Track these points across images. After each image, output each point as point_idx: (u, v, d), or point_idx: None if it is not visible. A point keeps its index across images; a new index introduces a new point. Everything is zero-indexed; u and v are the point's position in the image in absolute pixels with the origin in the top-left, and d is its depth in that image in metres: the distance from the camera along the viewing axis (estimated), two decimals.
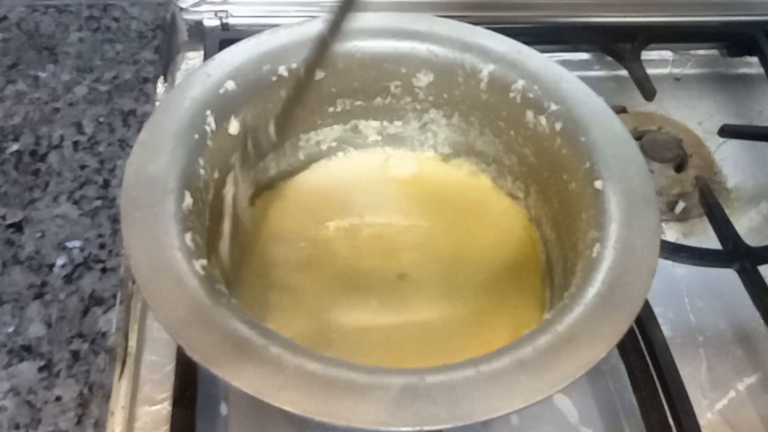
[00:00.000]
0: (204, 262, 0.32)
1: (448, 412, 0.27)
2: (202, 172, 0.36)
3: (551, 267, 0.40)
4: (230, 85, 0.38)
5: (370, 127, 0.45)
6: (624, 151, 0.37)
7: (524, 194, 0.43)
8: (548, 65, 0.40)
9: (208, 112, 0.37)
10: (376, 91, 0.43)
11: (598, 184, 0.35)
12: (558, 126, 0.38)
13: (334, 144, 0.45)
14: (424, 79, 0.42)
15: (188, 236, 0.32)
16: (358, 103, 0.43)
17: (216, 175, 0.37)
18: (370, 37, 0.41)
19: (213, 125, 0.37)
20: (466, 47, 0.41)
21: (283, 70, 0.39)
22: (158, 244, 0.31)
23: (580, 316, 0.30)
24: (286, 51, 0.40)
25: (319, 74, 0.40)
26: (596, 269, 0.32)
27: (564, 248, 0.38)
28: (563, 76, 0.40)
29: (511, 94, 0.40)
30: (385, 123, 0.45)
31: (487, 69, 0.40)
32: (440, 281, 0.40)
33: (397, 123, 0.45)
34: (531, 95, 0.39)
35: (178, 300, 0.29)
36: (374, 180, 0.45)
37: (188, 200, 0.34)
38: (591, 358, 0.29)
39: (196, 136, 0.36)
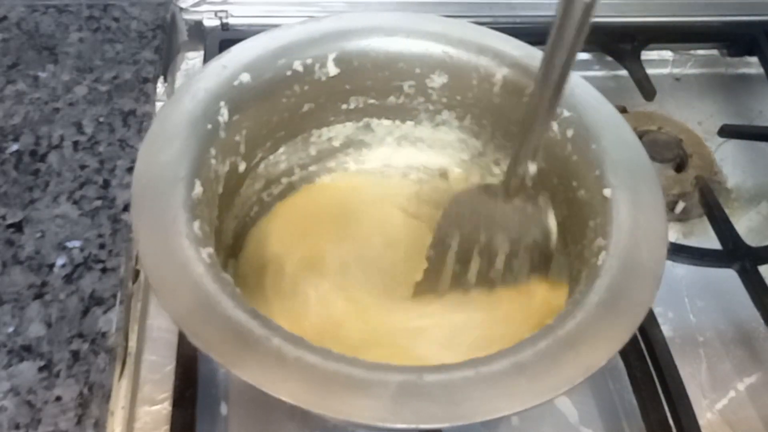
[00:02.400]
0: (211, 250, 0.32)
1: (445, 412, 0.27)
2: (213, 162, 0.36)
3: (558, 274, 0.39)
4: (245, 77, 0.38)
5: (382, 126, 0.45)
6: (634, 160, 0.36)
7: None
8: None
9: (222, 103, 0.37)
10: (390, 90, 0.43)
11: (606, 192, 0.35)
12: (569, 132, 0.38)
13: (346, 141, 0.45)
14: (437, 80, 0.42)
15: (196, 224, 0.32)
16: (371, 101, 0.43)
17: (227, 166, 0.38)
18: (385, 35, 0.41)
19: (226, 116, 0.37)
20: (481, 50, 0.41)
21: (298, 65, 0.39)
22: (166, 231, 0.31)
23: (581, 322, 0.30)
24: (302, 46, 0.40)
25: (334, 71, 0.41)
26: (600, 277, 0.32)
27: (571, 255, 0.37)
28: (577, 82, 0.39)
29: (524, 99, 0.40)
30: (398, 122, 0.45)
31: (501, 73, 0.40)
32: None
33: (410, 123, 0.45)
34: None
35: (183, 287, 0.29)
36: (384, 178, 0.45)
37: (198, 189, 0.34)
38: (591, 364, 0.29)
39: (209, 127, 0.36)
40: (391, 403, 0.27)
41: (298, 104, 0.41)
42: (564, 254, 0.39)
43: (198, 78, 0.37)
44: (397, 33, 0.41)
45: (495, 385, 0.28)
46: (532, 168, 0.37)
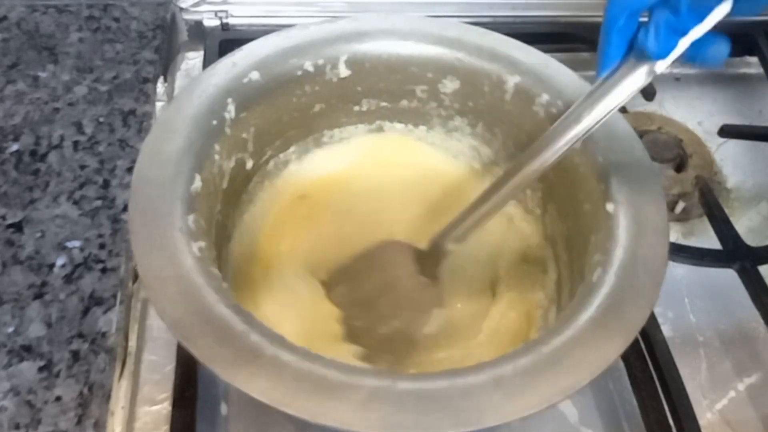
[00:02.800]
0: (202, 244, 0.32)
1: (414, 421, 0.27)
2: (216, 157, 0.36)
3: (560, 288, 0.39)
4: (255, 75, 0.38)
5: (395, 129, 0.45)
6: (641, 177, 0.36)
7: (542, 211, 0.42)
8: (575, 81, 0.39)
9: (230, 100, 0.37)
10: (402, 94, 0.43)
11: (609, 207, 0.35)
12: (578, 143, 0.37)
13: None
14: (450, 85, 0.42)
15: (191, 218, 0.32)
16: (384, 104, 0.43)
17: (233, 162, 0.38)
18: (398, 39, 0.41)
19: (233, 113, 0.37)
20: (494, 57, 0.40)
21: (308, 65, 0.40)
22: (160, 223, 0.31)
23: (568, 340, 0.29)
24: (314, 46, 0.40)
25: (345, 72, 0.41)
26: (593, 294, 0.31)
27: (573, 270, 0.37)
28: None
29: (535, 108, 0.39)
30: (410, 126, 0.45)
31: (512, 80, 0.40)
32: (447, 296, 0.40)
33: (422, 127, 0.44)
34: (554, 110, 0.39)
35: (169, 278, 0.30)
36: (394, 179, 0.45)
37: (197, 183, 0.34)
38: (571, 384, 0.28)
39: (214, 122, 0.36)
40: (360, 407, 0.27)
41: (308, 104, 0.41)
42: (568, 269, 0.38)
43: (208, 74, 0.38)
44: (410, 37, 0.41)
45: (468, 397, 0.27)
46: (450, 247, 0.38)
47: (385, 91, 0.42)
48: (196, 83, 0.37)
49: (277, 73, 0.39)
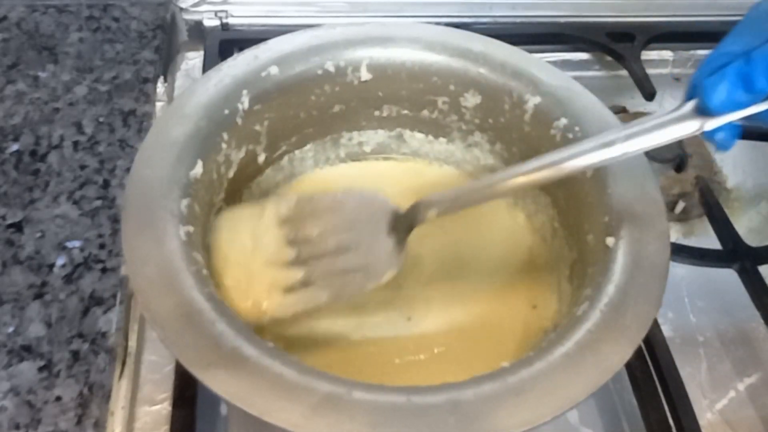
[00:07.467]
0: (191, 229, 0.32)
1: None
2: (224, 146, 0.36)
3: (559, 320, 0.38)
4: (273, 70, 0.38)
5: (414, 138, 0.45)
6: (649, 212, 0.34)
7: (552, 237, 0.41)
8: (596, 108, 0.39)
9: (245, 92, 0.37)
10: (423, 103, 0.43)
11: (609, 240, 0.34)
12: (589, 173, 0.37)
13: (377, 148, 0.45)
14: (471, 99, 0.41)
15: (185, 202, 0.32)
16: (405, 112, 0.43)
17: (242, 153, 0.38)
18: (423, 48, 0.41)
19: (246, 105, 0.37)
20: (516, 74, 0.40)
21: (329, 66, 0.40)
22: (153, 204, 0.32)
23: (536, 372, 0.28)
24: (338, 47, 0.40)
25: (366, 75, 0.41)
26: (574, 328, 0.30)
27: (571, 303, 0.36)
28: (609, 122, 0.38)
29: (552, 131, 0.39)
30: (430, 137, 0.44)
31: (533, 101, 0.39)
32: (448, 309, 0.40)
33: (442, 139, 0.44)
34: (571, 135, 0.38)
35: (151, 258, 0.30)
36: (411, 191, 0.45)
37: (198, 169, 0.34)
38: (530, 418, 0.27)
39: (226, 112, 0.37)
40: (310, 411, 0.26)
41: (328, 104, 0.41)
42: (567, 300, 0.37)
43: (229, 64, 0.38)
44: (434, 47, 0.41)
45: (422, 416, 0.27)
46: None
47: (406, 98, 0.42)
48: (215, 72, 0.38)
49: (297, 70, 0.39)
